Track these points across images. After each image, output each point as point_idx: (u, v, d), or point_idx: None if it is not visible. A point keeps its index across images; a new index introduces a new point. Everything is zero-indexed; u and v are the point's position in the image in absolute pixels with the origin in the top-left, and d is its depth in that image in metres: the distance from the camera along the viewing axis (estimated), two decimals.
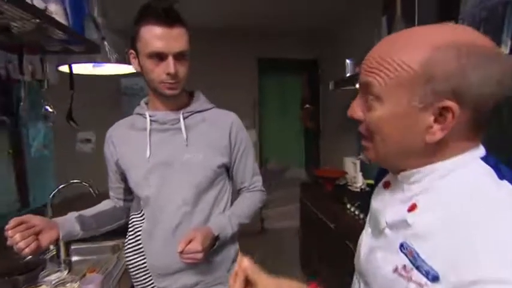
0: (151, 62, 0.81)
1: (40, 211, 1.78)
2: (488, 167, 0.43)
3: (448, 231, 0.39)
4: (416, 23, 1.26)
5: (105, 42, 1.31)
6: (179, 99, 0.90)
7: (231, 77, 3.20)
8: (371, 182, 2.15)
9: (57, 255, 1.13)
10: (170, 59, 0.80)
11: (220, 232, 0.87)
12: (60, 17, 1.05)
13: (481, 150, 0.45)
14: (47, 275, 0.98)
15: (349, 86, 1.83)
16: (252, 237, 3.09)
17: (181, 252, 0.78)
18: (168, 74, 0.80)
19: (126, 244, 0.98)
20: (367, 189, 2.10)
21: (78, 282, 0.95)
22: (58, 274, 1.00)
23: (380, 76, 0.43)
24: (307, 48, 3.36)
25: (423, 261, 0.40)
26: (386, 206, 0.51)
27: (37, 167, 2.96)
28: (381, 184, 0.56)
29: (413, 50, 0.41)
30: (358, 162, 2.19)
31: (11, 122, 2.18)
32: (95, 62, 1.44)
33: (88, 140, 2.75)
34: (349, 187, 2.23)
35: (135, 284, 0.99)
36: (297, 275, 2.52)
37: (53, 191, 1.30)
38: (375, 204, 0.55)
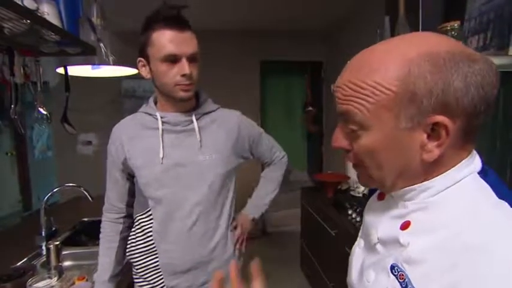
0: (165, 65, 0.83)
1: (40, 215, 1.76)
2: (486, 185, 0.40)
3: (443, 259, 0.36)
4: (420, 23, 1.21)
5: (101, 44, 1.29)
6: (189, 101, 0.92)
7: (233, 79, 3.18)
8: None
9: (48, 261, 1.11)
10: (184, 61, 0.83)
11: (254, 215, 1.08)
12: (53, 18, 1.03)
13: (477, 163, 0.42)
14: (35, 282, 0.96)
15: None
16: (254, 240, 3.06)
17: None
18: (183, 75, 0.83)
19: (132, 245, 0.97)
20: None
21: None
22: (47, 281, 0.97)
23: (358, 103, 0.40)
24: (311, 50, 3.32)
25: (414, 287, 0.38)
26: (379, 219, 0.48)
27: (40, 169, 2.97)
28: (375, 195, 0.53)
29: (387, 69, 0.38)
30: None
31: (11, 124, 2.18)
32: (92, 64, 1.42)
33: (89, 142, 2.75)
34: (352, 192, 2.17)
35: (140, 284, 0.97)
36: (297, 279, 2.48)
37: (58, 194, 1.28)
38: (368, 217, 0.52)
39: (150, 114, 0.91)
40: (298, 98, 3.81)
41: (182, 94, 0.85)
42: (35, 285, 0.95)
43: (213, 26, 2.87)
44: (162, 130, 0.89)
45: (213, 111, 0.96)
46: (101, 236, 0.98)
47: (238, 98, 2.95)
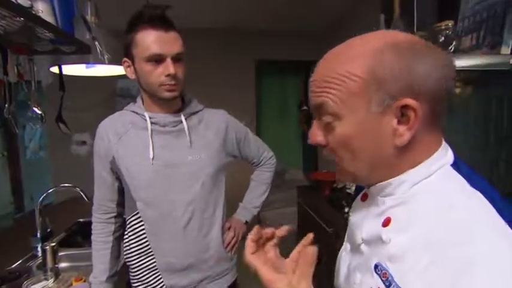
0: (149, 65, 0.83)
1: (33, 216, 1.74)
2: (459, 177, 0.42)
3: (422, 256, 0.37)
4: (415, 22, 1.23)
5: (96, 43, 1.27)
6: (175, 102, 0.92)
7: (229, 78, 3.17)
8: None
9: (44, 262, 1.09)
10: (169, 61, 0.82)
11: (247, 218, 1.10)
12: (47, 16, 1.02)
13: (449, 156, 0.44)
14: (32, 284, 0.94)
15: None
16: None
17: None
18: (167, 75, 0.82)
19: (127, 247, 0.96)
20: None
21: None
22: (43, 283, 0.96)
23: (331, 93, 0.42)
24: (306, 49, 3.33)
25: (397, 285, 0.38)
26: (363, 220, 0.49)
27: (33, 169, 2.93)
28: (359, 197, 0.54)
29: (356, 59, 0.41)
30: None
31: (2, 124, 2.14)
32: (87, 63, 1.40)
33: (84, 142, 2.72)
34: (348, 190, 2.19)
35: (136, 285, 0.97)
36: None
37: (53, 195, 1.26)
38: (353, 218, 0.53)
39: (138, 114, 0.91)
40: (294, 97, 3.81)
41: (167, 94, 0.85)
42: (31, 287, 0.93)
43: (209, 25, 2.86)
44: (151, 130, 0.88)
45: (200, 110, 0.97)
46: (92, 237, 0.97)
47: (233, 98, 2.95)
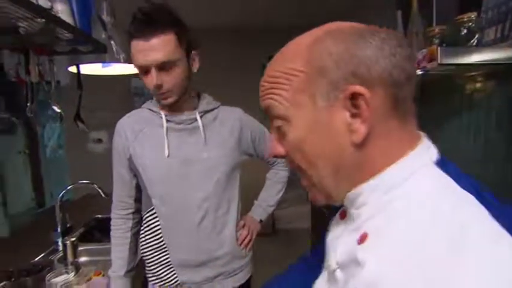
0: (142, 75, 0.83)
1: (53, 212, 1.79)
2: (448, 178, 0.35)
3: (403, 277, 0.30)
4: (434, 15, 1.19)
5: (112, 42, 1.29)
6: (187, 102, 0.91)
7: (237, 77, 3.16)
8: None
9: (64, 256, 1.13)
10: (153, 71, 0.80)
11: (261, 217, 1.10)
12: (66, 17, 1.04)
13: (432, 153, 0.38)
14: (54, 277, 0.97)
15: None
16: (264, 237, 3.07)
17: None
18: (153, 86, 0.81)
19: (142, 243, 0.98)
20: None
21: (84, 285, 0.94)
22: (65, 276, 0.99)
23: (276, 94, 0.39)
24: None
25: None
26: (338, 239, 0.42)
27: (52, 167, 3.02)
28: (337, 214, 0.47)
29: (295, 54, 0.39)
30: None
31: (24, 123, 2.22)
32: (103, 62, 1.43)
33: (100, 140, 2.78)
34: None
35: (152, 281, 0.99)
36: None
37: (70, 191, 1.30)
38: (328, 239, 0.46)
39: (154, 112, 0.92)
40: None
41: (163, 102, 0.85)
42: (53, 279, 0.96)
43: (215, 25, 2.86)
44: (167, 128, 0.89)
45: (216, 108, 0.97)
46: (111, 233, 0.99)
47: (240, 98, 2.94)
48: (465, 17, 0.92)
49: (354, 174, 0.38)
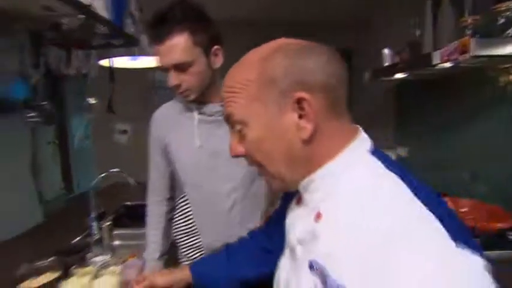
0: (164, 73, 0.85)
1: (84, 197, 1.90)
2: (376, 161, 0.43)
3: (351, 250, 0.37)
4: (467, 8, 1.15)
5: (142, 35, 1.34)
6: (216, 94, 0.91)
7: None
8: None
9: (100, 239, 1.20)
10: (170, 72, 0.82)
11: None
12: (103, 12, 1.10)
13: (366, 144, 0.46)
14: (93, 257, 1.04)
15: (387, 76, 1.75)
16: None
17: None
18: (172, 86, 0.84)
19: (175, 226, 1.04)
20: None
21: (120, 266, 1.00)
22: (103, 257, 1.06)
23: (234, 102, 0.46)
24: (338, 37, 3.24)
25: (332, 279, 0.38)
26: (296, 220, 0.50)
27: (80, 156, 3.15)
28: (293, 201, 0.55)
29: (249, 67, 0.45)
30: (392, 156, 2.09)
31: (59, 114, 2.32)
32: (133, 56, 1.49)
33: (124, 131, 2.88)
34: None
35: (184, 262, 1.04)
36: None
37: (95, 178, 1.37)
38: (288, 220, 0.54)
39: (187, 104, 0.94)
40: None
41: (184, 99, 0.88)
42: (93, 259, 1.03)
43: (235, 17, 2.86)
44: (198, 120, 0.91)
45: None
46: (147, 218, 1.05)
47: None
48: (503, 6, 0.90)
49: (305, 166, 0.45)
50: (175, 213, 1.03)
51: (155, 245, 1.00)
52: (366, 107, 3.09)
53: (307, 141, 0.43)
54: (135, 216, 1.45)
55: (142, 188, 1.19)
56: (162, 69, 0.83)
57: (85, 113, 2.74)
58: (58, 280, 0.93)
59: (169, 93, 1.07)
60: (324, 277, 0.40)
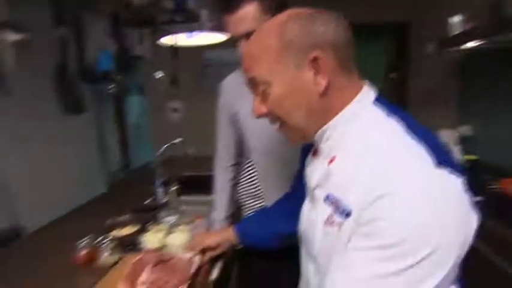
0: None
1: (141, 171, 2.08)
2: (378, 110, 0.52)
3: (358, 176, 0.46)
4: None
5: (204, 11, 1.38)
6: None
7: None
8: (472, 157, 1.91)
9: (168, 203, 1.31)
10: (241, 42, 0.84)
11: None
12: None
13: (371, 95, 0.53)
14: (165, 216, 1.15)
15: (456, 46, 1.61)
16: None
17: None
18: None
19: (241, 190, 1.11)
20: (468, 166, 1.87)
21: (188, 226, 1.10)
22: (173, 217, 1.17)
23: (257, 65, 0.53)
24: (392, 10, 3.01)
25: (344, 204, 0.47)
26: (314, 168, 0.59)
27: (136, 133, 3.40)
28: (310, 154, 0.64)
29: (268, 33, 0.52)
30: (455, 135, 1.96)
31: (118, 92, 2.52)
32: (193, 31, 1.54)
33: (176, 110, 3.03)
34: None
35: None
36: None
37: (151, 154, 1.50)
38: (307, 171, 0.64)
39: None
40: (379, 64, 3.55)
41: None
42: (165, 218, 1.14)
43: None
44: None
45: None
46: (215, 183, 1.12)
47: None
48: None
49: (321, 117, 0.53)
50: (242, 177, 1.09)
51: (222, 207, 1.08)
52: (424, 81, 2.89)
53: (322, 95, 0.50)
54: (194, 186, 1.56)
55: (198, 161, 1.27)
56: (235, 40, 0.86)
57: (140, 91, 2.93)
58: (137, 233, 1.05)
59: (220, 71, 1.12)
60: (337, 205, 0.49)
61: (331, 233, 0.50)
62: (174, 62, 1.47)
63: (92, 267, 0.94)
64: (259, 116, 0.57)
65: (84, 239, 0.96)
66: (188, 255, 0.86)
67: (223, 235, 0.89)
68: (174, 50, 1.47)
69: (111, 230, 1.05)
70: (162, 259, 0.84)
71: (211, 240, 0.88)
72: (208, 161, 1.25)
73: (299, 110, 0.52)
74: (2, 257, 1.06)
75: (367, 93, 0.54)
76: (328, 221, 0.50)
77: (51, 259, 1.00)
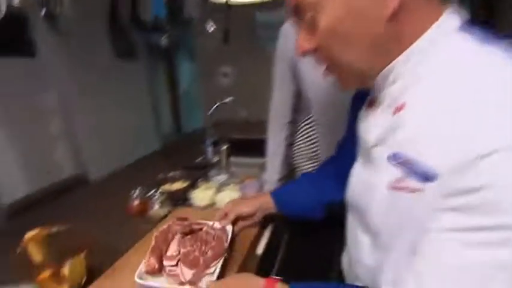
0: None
1: (192, 134, 2.11)
2: (468, 37, 0.38)
3: (441, 124, 0.35)
4: None
5: None
6: None
7: None
8: None
9: (219, 161, 1.29)
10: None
11: None
12: None
13: (453, 20, 0.40)
14: (215, 175, 1.13)
15: None
16: None
17: None
18: None
19: (296, 151, 1.02)
20: None
21: (238, 186, 1.06)
22: (223, 176, 1.13)
23: None
24: None
25: (420, 164, 0.36)
26: (372, 122, 0.48)
27: (186, 99, 3.46)
28: (364, 106, 0.52)
29: None
30: None
31: (168, 58, 2.54)
32: None
33: (226, 74, 2.98)
34: None
35: None
36: None
37: (202, 120, 1.47)
38: (361, 127, 0.51)
39: None
40: None
41: None
42: (215, 177, 1.11)
43: None
44: None
45: None
46: (268, 142, 1.04)
47: None
48: None
49: (388, 49, 0.40)
50: (298, 137, 1.00)
51: (275, 168, 1.01)
52: None
53: (392, 19, 0.38)
54: (246, 149, 1.51)
55: (249, 124, 1.22)
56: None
57: (191, 56, 2.92)
58: (187, 189, 1.04)
59: (269, 32, 0.99)
60: (408, 166, 0.38)
61: (401, 202, 0.39)
62: (227, 18, 1.38)
63: (143, 217, 0.95)
64: (304, 53, 0.45)
65: (136, 191, 0.97)
66: (221, 223, 0.76)
67: (261, 202, 0.78)
68: (228, 5, 1.38)
69: (163, 184, 1.06)
70: (191, 228, 0.73)
71: (247, 207, 0.77)
72: (259, 125, 1.17)
73: (359, 40, 0.40)
74: (65, 201, 1.16)
75: (449, 19, 0.40)
76: (397, 186, 0.39)
77: (107, 206, 1.04)
